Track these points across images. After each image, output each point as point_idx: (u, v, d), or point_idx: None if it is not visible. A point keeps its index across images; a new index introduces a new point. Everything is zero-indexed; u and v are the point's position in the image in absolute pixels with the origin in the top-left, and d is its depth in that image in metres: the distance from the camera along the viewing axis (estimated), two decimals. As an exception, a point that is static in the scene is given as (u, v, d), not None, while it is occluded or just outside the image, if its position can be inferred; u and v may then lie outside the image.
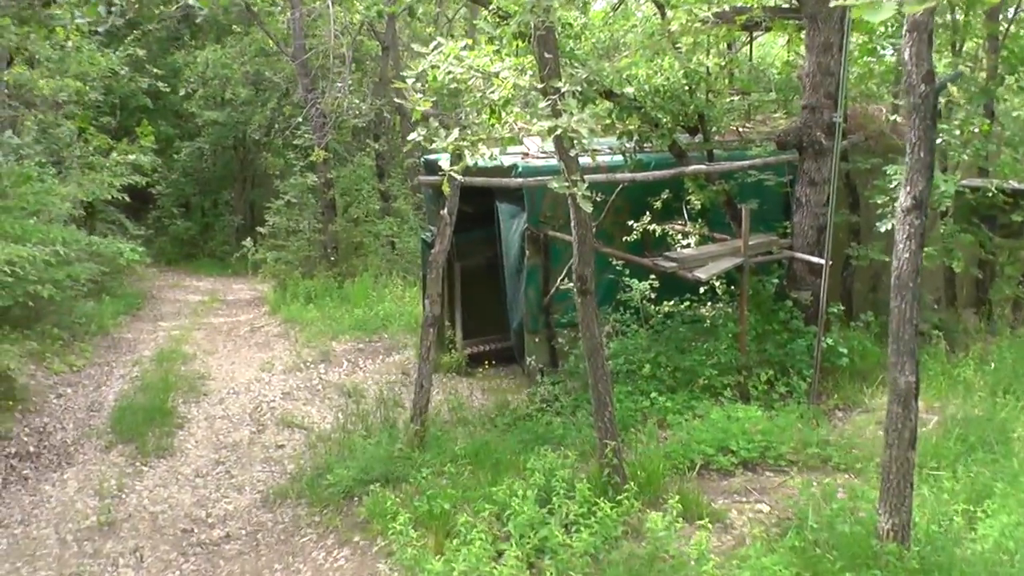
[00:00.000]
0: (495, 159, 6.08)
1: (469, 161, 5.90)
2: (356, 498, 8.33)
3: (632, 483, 6.97)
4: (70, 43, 16.58)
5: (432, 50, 5.88)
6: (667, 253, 9.73)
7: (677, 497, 6.87)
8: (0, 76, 16.09)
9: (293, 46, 16.86)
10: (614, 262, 10.72)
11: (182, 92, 20.95)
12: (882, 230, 9.65)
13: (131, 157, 18.50)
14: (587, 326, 6.77)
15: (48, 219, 14.98)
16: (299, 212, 18.48)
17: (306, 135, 17.51)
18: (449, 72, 5.75)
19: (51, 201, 14.40)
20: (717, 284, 10.69)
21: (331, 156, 17.32)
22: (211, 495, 9.31)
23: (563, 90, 5.68)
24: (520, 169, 10.78)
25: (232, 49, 20.74)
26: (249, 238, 18.93)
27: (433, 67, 5.87)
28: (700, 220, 11.10)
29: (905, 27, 4.84)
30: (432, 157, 13.35)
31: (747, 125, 12.34)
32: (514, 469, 8.05)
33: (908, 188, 4.97)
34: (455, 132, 5.57)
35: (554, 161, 11.25)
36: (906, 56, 4.87)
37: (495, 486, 7.24)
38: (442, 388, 12.62)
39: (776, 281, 10.38)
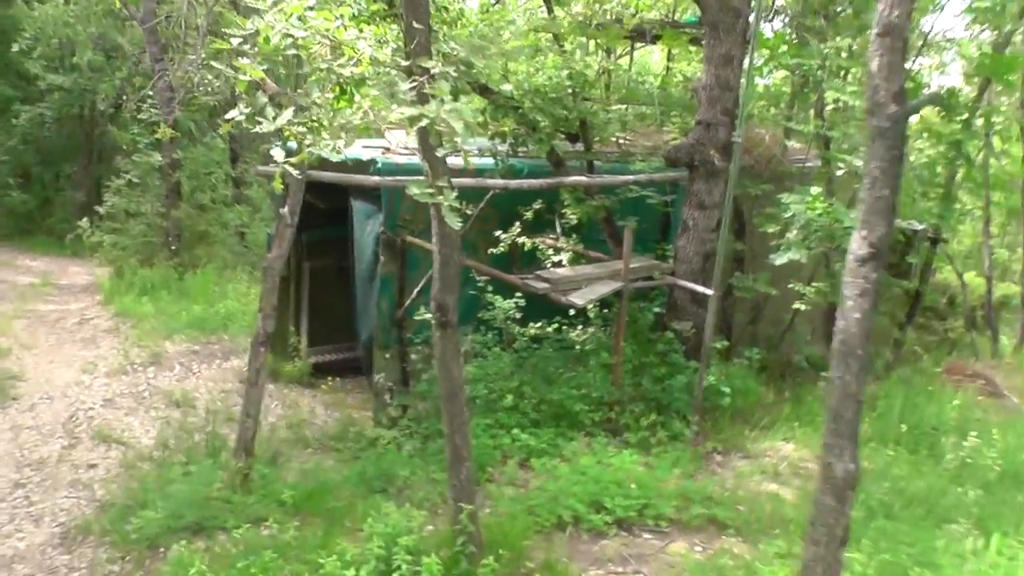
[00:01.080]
0: (339, 152, 4.71)
1: (312, 152, 4.54)
2: (162, 549, 6.84)
3: (490, 553, 5.72)
4: None
5: (271, 6, 4.45)
6: (539, 272, 8.52)
7: (543, 567, 5.69)
8: None
9: (143, 9, 14.94)
10: (476, 276, 9.47)
11: (15, 48, 18.56)
12: (776, 263, 8.68)
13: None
14: (445, 364, 5.45)
15: None
16: (141, 194, 16.52)
17: (153, 110, 15.58)
18: (288, 35, 4.31)
19: None
20: (590, 306, 9.56)
21: (179, 135, 15.39)
22: (2, 528, 7.69)
23: (433, 71, 4.35)
24: (379, 166, 9.40)
25: (76, 6, 18.46)
26: (86, 218, 16.81)
27: (267, 27, 4.39)
28: (574, 235, 9.94)
29: (875, 31, 3.72)
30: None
31: (628, 137, 11.23)
32: (351, 521, 6.72)
33: (864, 233, 3.87)
34: (287, 112, 4.18)
35: (418, 159, 9.94)
36: (873, 67, 3.74)
37: (325, 549, 5.87)
38: (281, 401, 11.19)
39: (656, 310, 9.29)
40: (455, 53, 5.14)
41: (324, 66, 4.33)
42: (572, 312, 9.58)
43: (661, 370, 8.90)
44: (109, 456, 9.24)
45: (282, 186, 4.79)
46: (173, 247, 15.93)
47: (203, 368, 12.03)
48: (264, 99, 4.34)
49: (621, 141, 10.94)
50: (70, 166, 23.48)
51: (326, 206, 11.70)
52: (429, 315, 9.66)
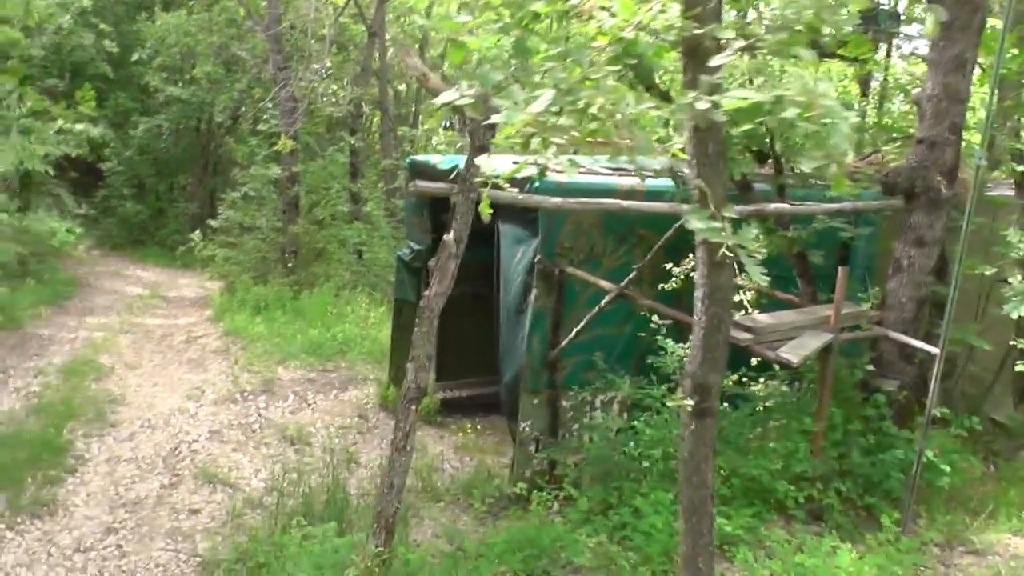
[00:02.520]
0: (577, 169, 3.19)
1: (539, 164, 3.09)
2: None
3: None
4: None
5: None
6: (738, 318, 6.87)
7: None
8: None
9: (267, 16, 13.77)
10: (643, 312, 7.87)
11: (135, 57, 17.64)
12: (1012, 315, 6.90)
13: (79, 127, 15.34)
14: (696, 466, 3.80)
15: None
16: (257, 207, 15.32)
17: (273, 120, 14.39)
18: None
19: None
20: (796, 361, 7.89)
21: (299, 148, 14.16)
22: (87, 585, 6.43)
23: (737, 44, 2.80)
24: (537, 184, 7.87)
25: (198, 16, 17.47)
26: (198, 230, 15.69)
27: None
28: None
29: None
30: (420, 159, 10.46)
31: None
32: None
33: None
34: (545, 96, 2.66)
35: (587, 178, 8.43)
36: None
37: None
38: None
39: (867, 367, 7.53)
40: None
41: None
42: (755, 361, 7.93)
43: (870, 440, 7.15)
44: (214, 500, 8.02)
45: (490, 211, 3.32)
46: (289, 264, 14.66)
47: (319, 399, 10.70)
48: (497, 75, 2.84)
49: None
50: (185, 178, 22.67)
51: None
52: (582, 357, 8.35)
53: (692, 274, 7.72)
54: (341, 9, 14.17)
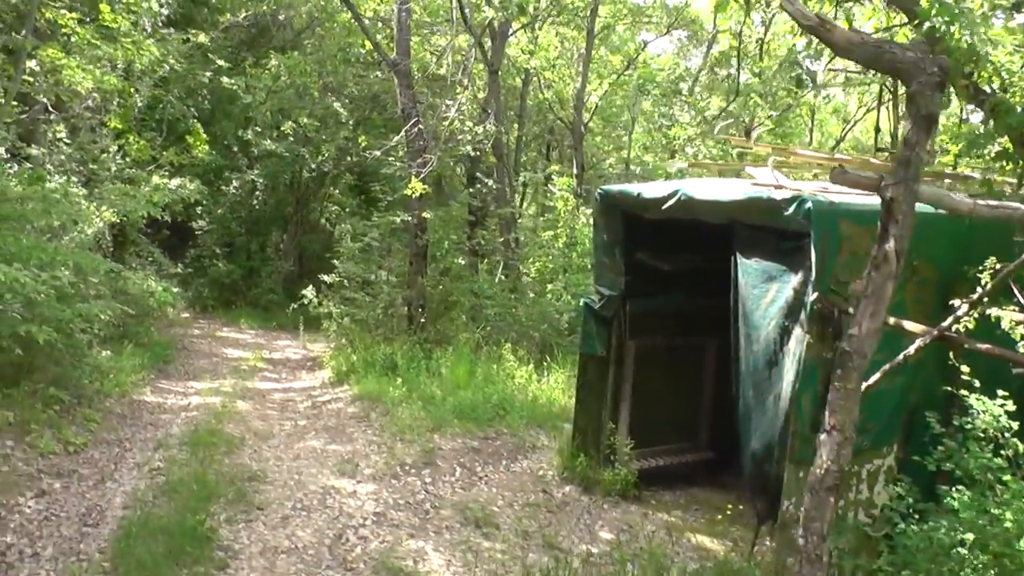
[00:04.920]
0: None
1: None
2: None
3: None
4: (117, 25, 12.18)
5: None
6: None
7: None
8: (20, 63, 11.55)
9: (396, 49, 12.33)
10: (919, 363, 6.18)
11: (248, 99, 16.39)
12: None
13: (174, 183, 14.08)
14: None
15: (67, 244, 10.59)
16: (380, 258, 13.79)
17: (400, 161, 12.92)
18: None
19: (74, 213, 9.93)
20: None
21: (430, 191, 12.61)
22: None
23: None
24: (808, 206, 6.24)
25: (311, 56, 16.20)
26: (311, 286, 14.15)
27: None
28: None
29: None
30: (617, 188, 8.88)
31: None
32: None
33: None
34: None
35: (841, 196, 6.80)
36: None
37: None
38: (607, 521, 8.08)
39: None
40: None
41: None
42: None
43: None
44: (402, 604, 6.30)
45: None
46: (422, 319, 13.04)
47: (488, 471, 9.07)
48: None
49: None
50: (277, 235, 21.30)
51: (670, 268, 8.65)
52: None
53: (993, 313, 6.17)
54: (476, 41, 12.72)
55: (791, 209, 6.28)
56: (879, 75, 9.68)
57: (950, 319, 5.78)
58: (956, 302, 6.18)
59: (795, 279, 6.52)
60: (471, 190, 15.09)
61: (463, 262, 15.39)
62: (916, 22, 5.74)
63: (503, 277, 15.33)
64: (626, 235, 8.53)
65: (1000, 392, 6.12)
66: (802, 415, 6.37)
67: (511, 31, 13.97)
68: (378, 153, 14.54)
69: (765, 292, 6.80)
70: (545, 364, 12.58)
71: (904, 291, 6.65)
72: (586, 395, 8.84)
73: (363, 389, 11.58)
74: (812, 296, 6.19)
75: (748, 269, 6.94)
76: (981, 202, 4.70)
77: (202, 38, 13.83)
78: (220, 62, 15.89)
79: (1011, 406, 5.95)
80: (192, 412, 10.85)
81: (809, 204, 6.14)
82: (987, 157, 6.78)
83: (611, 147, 23.07)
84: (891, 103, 13.66)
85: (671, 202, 7.47)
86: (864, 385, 6.13)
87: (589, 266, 17.27)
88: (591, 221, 9.02)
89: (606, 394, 8.83)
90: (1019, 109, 5.56)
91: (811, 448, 6.42)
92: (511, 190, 16.57)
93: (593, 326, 8.70)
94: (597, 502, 8.45)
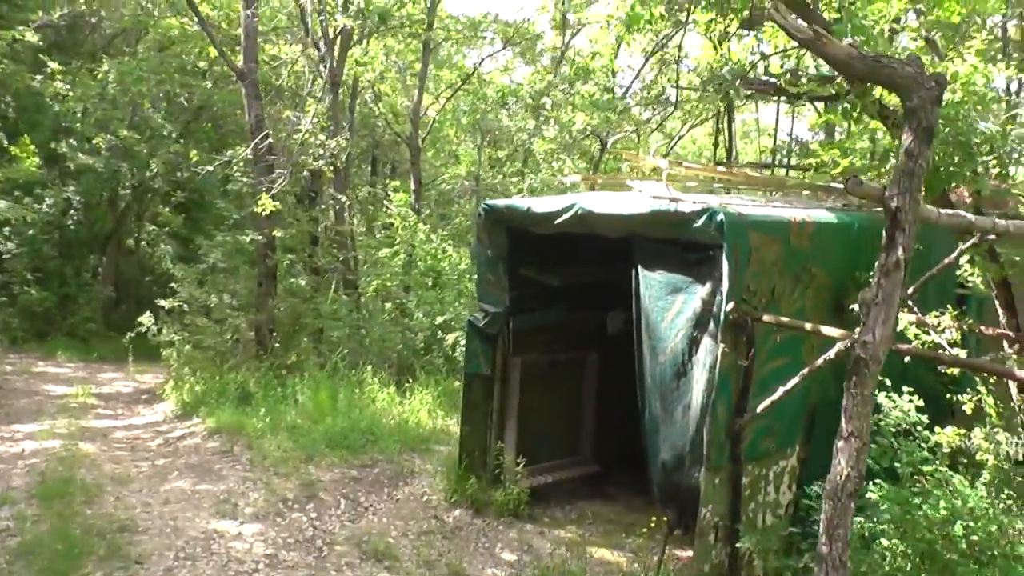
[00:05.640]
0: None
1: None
2: None
3: None
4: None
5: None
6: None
7: None
8: None
9: (243, 57, 11.68)
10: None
11: (79, 109, 15.02)
12: None
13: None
14: None
15: None
16: (225, 281, 13.02)
17: (246, 177, 12.23)
18: None
19: None
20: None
21: (280, 208, 11.93)
22: None
23: None
24: (720, 218, 6.33)
25: (147, 63, 15.06)
26: (148, 313, 13.15)
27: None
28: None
29: None
30: (504, 203, 8.75)
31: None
32: None
33: None
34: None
35: (760, 210, 6.98)
36: None
37: None
38: (506, 544, 7.99)
39: None
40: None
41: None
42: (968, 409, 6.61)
43: None
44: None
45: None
46: (275, 343, 12.39)
47: (374, 500, 8.80)
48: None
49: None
50: (96, 258, 19.66)
51: (558, 283, 8.61)
52: (761, 422, 6.73)
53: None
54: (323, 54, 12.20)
55: (700, 221, 6.36)
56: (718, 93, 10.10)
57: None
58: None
59: (703, 290, 6.61)
60: (321, 206, 14.53)
61: (303, 283, 14.80)
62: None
63: (345, 297, 14.87)
64: (511, 250, 8.43)
65: (906, 388, 6.44)
66: (717, 423, 6.47)
67: (350, 42, 13.54)
68: (211, 168, 13.74)
69: (671, 304, 6.86)
70: (407, 385, 12.29)
71: (805, 297, 6.90)
72: (472, 415, 8.67)
73: (219, 421, 10.87)
74: (728, 306, 6.26)
75: (652, 282, 6.98)
76: (943, 211, 4.89)
77: (30, 36, 12.51)
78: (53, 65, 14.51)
79: (919, 401, 6.27)
80: (31, 459, 9.83)
81: (721, 216, 6.23)
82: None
83: (441, 163, 22.93)
84: (726, 119, 14.28)
85: (566, 216, 7.42)
86: (782, 390, 6.32)
87: (430, 284, 17.14)
88: (475, 237, 8.87)
89: (492, 413, 8.69)
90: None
91: (723, 454, 6.54)
92: (348, 206, 16.08)
93: (478, 344, 8.54)
94: (491, 524, 8.31)
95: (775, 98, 14.51)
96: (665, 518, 7.17)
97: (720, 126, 15.42)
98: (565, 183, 12.70)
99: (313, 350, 12.86)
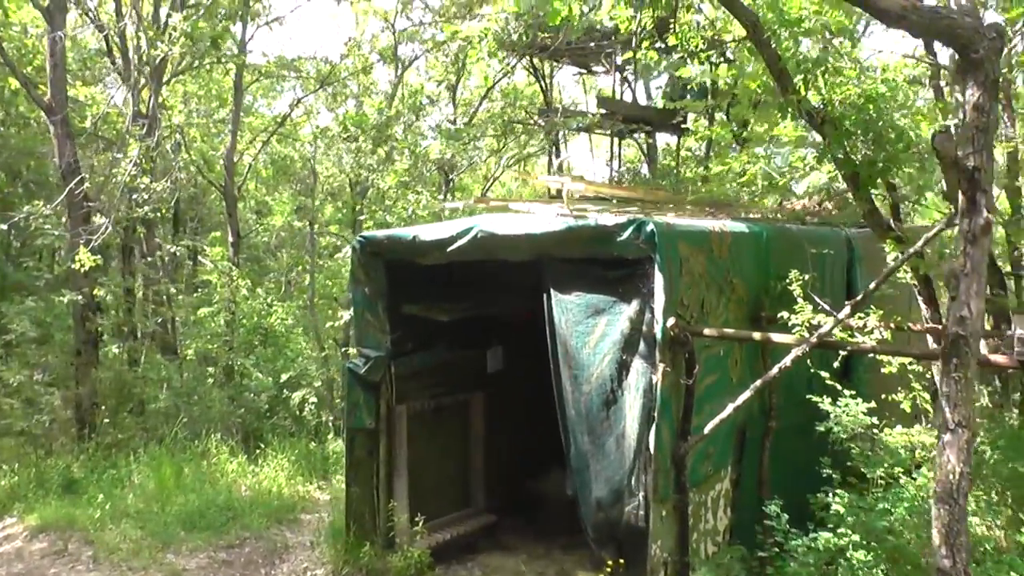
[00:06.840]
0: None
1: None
2: None
3: None
4: None
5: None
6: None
7: None
8: None
9: (50, 90, 10.18)
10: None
11: None
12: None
13: None
14: None
15: None
16: (35, 353, 11.30)
17: (55, 231, 10.65)
18: None
19: None
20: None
21: (100, 261, 10.29)
22: None
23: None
24: (648, 230, 5.84)
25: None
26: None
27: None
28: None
29: None
30: (378, 235, 7.90)
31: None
32: None
33: None
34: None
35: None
36: None
37: None
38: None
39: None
40: None
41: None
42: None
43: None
44: None
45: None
46: (105, 419, 10.79)
47: (253, 585, 7.53)
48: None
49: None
50: None
51: (448, 318, 7.86)
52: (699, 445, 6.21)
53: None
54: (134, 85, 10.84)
55: (626, 234, 5.83)
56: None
57: (828, 325, 5.64)
58: (786, 315, 6.12)
59: (629, 309, 6.07)
60: (139, 261, 12.99)
61: (117, 349, 13.19)
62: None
63: (165, 362, 13.40)
64: (390, 286, 7.60)
65: (848, 392, 6.14)
66: (663, 449, 5.91)
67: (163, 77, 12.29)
68: (3, 226, 12.07)
69: (592, 327, 6.26)
70: (257, 452, 11.06)
71: (728, 310, 6.50)
72: (358, 475, 7.71)
73: (43, 517, 9.19)
74: (669, 321, 5.72)
75: (567, 306, 6.36)
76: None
77: None
78: None
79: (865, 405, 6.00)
80: None
81: (651, 226, 5.74)
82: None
83: (253, 211, 21.64)
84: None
85: (462, 242, 6.71)
86: (731, 407, 5.83)
87: (257, 343, 15.84)
88: (350, 274, 7.97)
89: (379, 470, 7.75)
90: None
91: (669, 483, 5.96)
92: (164, 263, 14.60)
93: (360, 394, 7.60)
94: (397, 595, 7.36)
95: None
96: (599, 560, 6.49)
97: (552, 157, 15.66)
98: (447, 209, 11.96)
99: (139, 424, 11.35)
